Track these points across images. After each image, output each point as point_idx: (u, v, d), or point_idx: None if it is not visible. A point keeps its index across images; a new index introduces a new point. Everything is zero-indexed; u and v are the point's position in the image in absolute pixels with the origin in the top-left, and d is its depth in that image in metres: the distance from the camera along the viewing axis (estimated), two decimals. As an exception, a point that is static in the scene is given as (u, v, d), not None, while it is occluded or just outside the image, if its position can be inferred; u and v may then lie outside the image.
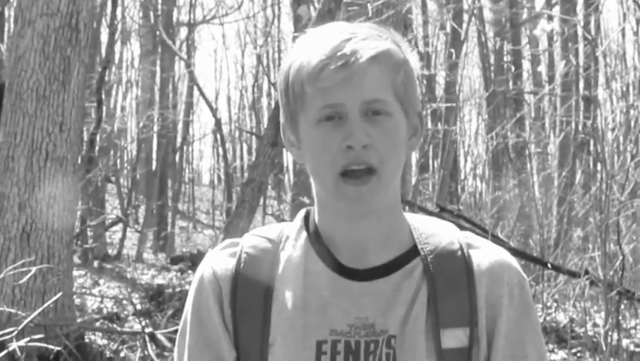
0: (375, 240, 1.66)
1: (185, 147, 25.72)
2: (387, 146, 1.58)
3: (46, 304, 5.96)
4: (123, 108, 23.71)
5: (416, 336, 1.60)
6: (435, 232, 1.71)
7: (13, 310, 5.93)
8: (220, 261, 1.71)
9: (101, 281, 10.70)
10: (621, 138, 9.43)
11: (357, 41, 1.56)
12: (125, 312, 8.45)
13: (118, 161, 21.71)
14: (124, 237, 15.55)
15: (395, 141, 1.60)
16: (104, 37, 16.36)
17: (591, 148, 12.38)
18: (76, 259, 11.40)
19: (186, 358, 1.68)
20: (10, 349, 5.47)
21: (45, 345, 5.64)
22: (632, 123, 8.86)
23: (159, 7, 17.49)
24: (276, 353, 1.63)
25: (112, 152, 19.56)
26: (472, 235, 1.73)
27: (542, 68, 18.94)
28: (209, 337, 1.67)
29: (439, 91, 16.52)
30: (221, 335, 1.66)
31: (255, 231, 1.76)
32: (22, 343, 5.51)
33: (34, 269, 5.91)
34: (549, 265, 8.51)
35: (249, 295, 1.66)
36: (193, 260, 13.44)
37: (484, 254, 1.68)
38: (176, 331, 5.64)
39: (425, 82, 14.80)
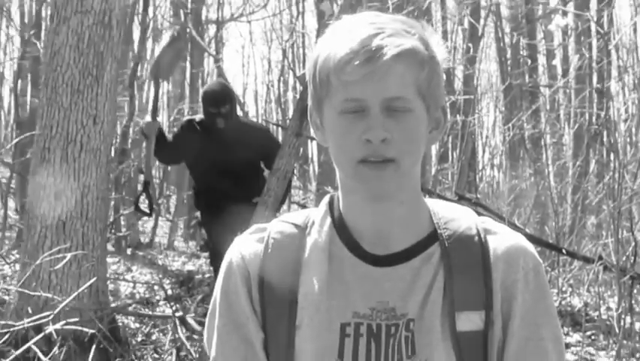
0: (398, 225, 1.68)
1: (215, 139, 25.53)
2: (407, 141, 1.59)
3: (80, 289, 5.96)
4: (155, 102, 23.58)
5: (433, 320, 1.63)
6: (454, 217, 1.73)
7: (49, 295, 5.93)
8: (248, 246, 1.74)
9: (134, 268, 10.73)
10: (633, 129, 9.50)
11: (384, 37, 1.57)
12: (157, 297, 8.47)
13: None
14: (156, 225, 15.49)
15: (414, 136, 1.61)
16: (136, 34, 16.44)
17: (604, 139, 12.29)
18: (110, 247, 11.39)
19: (216, 339, 1.72)
20: (47, 332, 5.52)
21: (80, 328, 5.62)
22: (644, 114, 8.91)
23: (189, 5, 17.56)
24: (302, 335, 1.66)
25: (144, 144, 19.56)
26: (490, 220, 1.75)
27: (557, 62, 18.86)
28: (238, 319, 1.70)
29: (458, 84, 16.61)
30: (249, 317, 1.69)
31: (283, 217, 1.79)
32: (57, 326, 5.53)
33: (69, 255, 5.95)
34: (564, 251, 8.53)
35: (276, 279, 1.69)
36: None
37: (501, 239, 1.70)
38: (205, 315, 5.68)
39: (444, 75, 14.83)
